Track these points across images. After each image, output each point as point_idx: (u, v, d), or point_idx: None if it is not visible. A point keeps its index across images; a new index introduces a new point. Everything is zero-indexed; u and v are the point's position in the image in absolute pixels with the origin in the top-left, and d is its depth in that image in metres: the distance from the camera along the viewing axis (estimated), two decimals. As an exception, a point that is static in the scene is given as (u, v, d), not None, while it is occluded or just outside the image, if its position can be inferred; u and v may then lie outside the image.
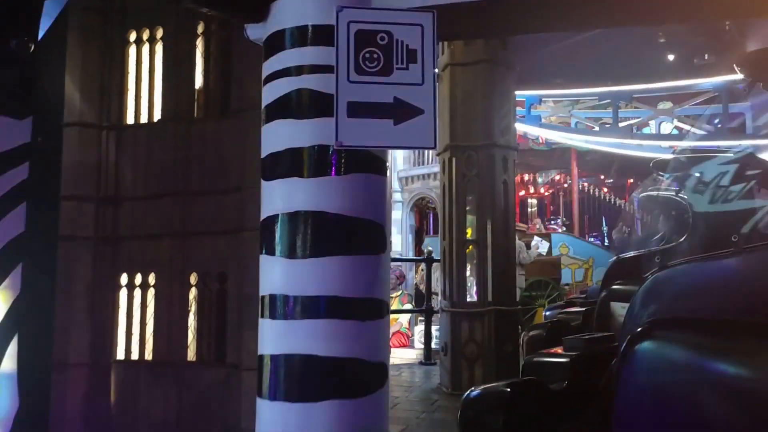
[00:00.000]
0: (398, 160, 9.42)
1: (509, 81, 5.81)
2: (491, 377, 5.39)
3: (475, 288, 5.44)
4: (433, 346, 7.09)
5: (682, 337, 1.21)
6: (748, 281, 1.37)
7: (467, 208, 5.53)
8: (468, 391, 1.91)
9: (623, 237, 13.03)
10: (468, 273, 5.47)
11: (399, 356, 8.78)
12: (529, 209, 16.60)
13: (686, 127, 7.70)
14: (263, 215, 2.01)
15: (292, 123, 2.00)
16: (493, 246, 5.44)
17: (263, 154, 2.03)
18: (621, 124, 7.62)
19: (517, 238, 10.85)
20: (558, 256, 13.07)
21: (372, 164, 2.06)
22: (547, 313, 4.93)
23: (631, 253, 4.11)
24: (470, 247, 5.47)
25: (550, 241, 12.67)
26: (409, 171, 9.02)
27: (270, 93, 2.05)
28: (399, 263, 8.79)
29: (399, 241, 9.39)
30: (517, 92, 9.59)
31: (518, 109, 8.71)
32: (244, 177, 3.60)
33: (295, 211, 1.95)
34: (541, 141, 13.43)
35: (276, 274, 1.97)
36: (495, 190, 5.51)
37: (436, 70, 1.97)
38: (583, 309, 4.01)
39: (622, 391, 1.26)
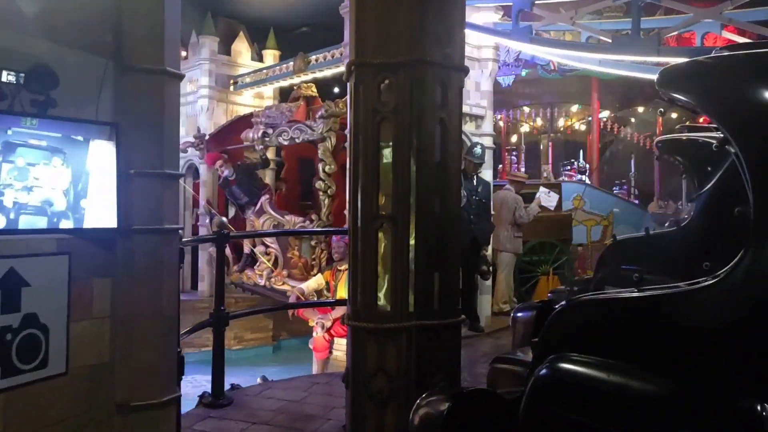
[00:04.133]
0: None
1: (455, -42, 3.76)
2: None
3: (388, 290, 3.60)
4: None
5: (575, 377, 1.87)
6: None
7: (379, 164, 3.62)
8: (419, 399, 2.27)
9: (660, 215, 10.95)
10: (380, 266, 3.61)
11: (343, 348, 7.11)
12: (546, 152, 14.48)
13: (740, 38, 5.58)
14: None
15: None
16: (418, 223, 3.55)
17: None
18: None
19: (513, 191, 8.93)
20: (570, 211, 11.10)
21: None
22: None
23: (631, 235, 3.85)
24: (383, 225, 3.59)
25: (560, 192, 10.67)
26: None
27: None
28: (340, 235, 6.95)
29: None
30: (500, -7, 7.50)
31: (504, 22, 6.58)
32: None
33: None
34: (553, 67, 11.24)
35: None
36: (424, 135, 3.57)
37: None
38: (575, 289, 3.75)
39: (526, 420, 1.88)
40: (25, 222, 2.27)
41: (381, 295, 3.61)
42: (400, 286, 3.55)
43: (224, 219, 4.57)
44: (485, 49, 7.88)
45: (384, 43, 3.58)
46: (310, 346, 7.20)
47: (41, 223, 2.34)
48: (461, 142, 3.86)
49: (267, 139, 8.59)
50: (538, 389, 1.99)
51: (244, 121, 9.43)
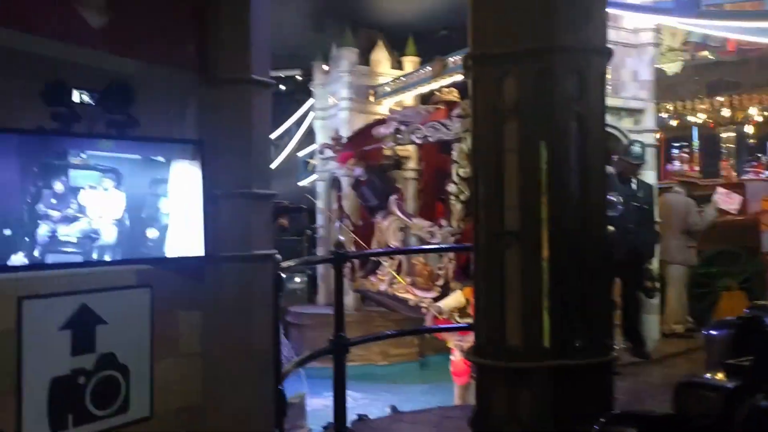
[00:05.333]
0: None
1: None
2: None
3: (518, 321, 3.04)
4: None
5: None
6: None
7: (503, 171, 3.09)
8: (604, 415, 2.31)
9: None
10: (507, 292, 3.08)
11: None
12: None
13: None
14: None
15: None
16: (552, 241, 2.97)
17: None
18: None
19: (684, 193, 7.83)
20: (756, 213, 9.55)
21: None
22: None
23: None
24: (509, 243, 3.06)
25: (744, 192, 9.21)
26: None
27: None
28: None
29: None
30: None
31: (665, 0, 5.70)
32: None
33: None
34: (730, 49, 9.80)
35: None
36: (555, 135, 2.99)
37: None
38: (788, 302, 3.32)
39: None
40: (56, 260, 2.08)
41: (509, 327, 3.07)
42: (532, 317, 2.99)
43: (341, 237, 4.31)
44: (643, 32, 6.96)
45: (504, 30, 3.06)
46: (451, 370, 6.75)
47: (79, 259, 2.14)
48: (605, 140, 3.21)
49: (399, 136, 8.29)
50: (761, 421, 1.89)
51: (381, 123, 9.26)
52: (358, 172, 9.37)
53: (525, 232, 3.00)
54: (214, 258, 2.64)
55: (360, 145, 9.82)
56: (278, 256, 3.09)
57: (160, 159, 2.49)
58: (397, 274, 8.46)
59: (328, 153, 10.91)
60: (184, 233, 2.51)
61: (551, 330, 2.96)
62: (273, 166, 18.11)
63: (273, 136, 19.16)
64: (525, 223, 3.00)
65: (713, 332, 3.28)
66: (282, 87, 17.10)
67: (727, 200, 8.17)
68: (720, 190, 8.34)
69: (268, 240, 2.81)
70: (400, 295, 8.26)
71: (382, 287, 8.75)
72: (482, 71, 3.13)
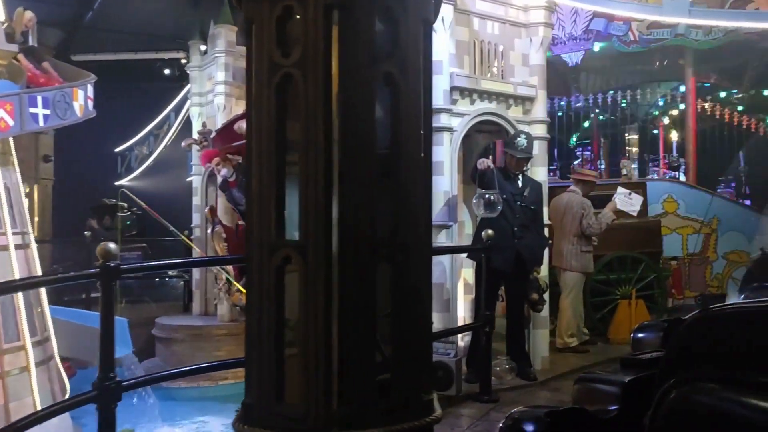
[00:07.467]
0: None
1: None
2: None
3: (297, 370, 2.17)
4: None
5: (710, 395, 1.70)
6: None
7: (283, 159, 2.21)
8: (510, 413, 2.30)
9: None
10: (285, 327, 2.19)
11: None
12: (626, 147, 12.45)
13: None
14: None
15: None
16: (345, 258, 2.09)
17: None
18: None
19: (580, 193, 7.27)
20: (658, 216, 9.22)
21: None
22: None
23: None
24: (289, 259, 2.17)
25: (645, 193, 8.83)
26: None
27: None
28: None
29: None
30: None
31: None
32: None
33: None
34: (633, 38, 9.40)
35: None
36: (352, 104, 2.12)
37: None
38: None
39: None
40: None
41: (289, 380, 2.18)
42: (315, 364, 2.12)
43: (112, 245, 3.38)
44: (534, 11, 6.33)
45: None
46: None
47: None
48: (429, 115, 2.37)
49: (266, 131, 7.32)
50: (675, 412, 1.89)
51: (244, 117, 8.27)
52: (224, 172, 8.37)
53: (307, 245, 2.11)
54: None
55: (228, 140, 8.78)
56: None
57: None
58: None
59: (195, 149, 9.84)
60: None
61: (341, 383, 2.10)
62: (152, 158, 16.57)
63: (152, 124, 17.74)
64: (308, 232, 2.12)
65: (640, 335, 3.43)
66: (167, 71, 15.74)
67: (627, 201, 7.70)
68: (620, 190, 7.87)
69: None
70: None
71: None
72: (255, 10, 2.23)
